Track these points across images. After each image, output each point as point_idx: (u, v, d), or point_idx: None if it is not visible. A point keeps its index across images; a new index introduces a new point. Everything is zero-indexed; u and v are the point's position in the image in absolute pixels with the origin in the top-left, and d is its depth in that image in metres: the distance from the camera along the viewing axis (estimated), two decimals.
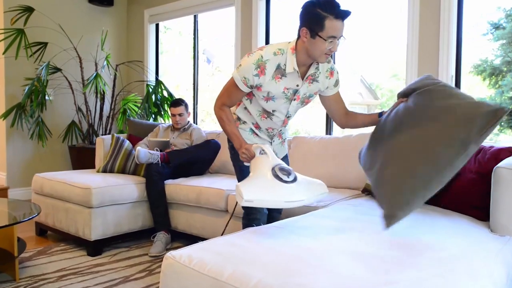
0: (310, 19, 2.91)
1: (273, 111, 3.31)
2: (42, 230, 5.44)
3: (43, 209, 5.20)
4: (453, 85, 4.82)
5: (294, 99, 3.28)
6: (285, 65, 3.09)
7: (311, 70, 3.20)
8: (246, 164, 3.10)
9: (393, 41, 5.91)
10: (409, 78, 5.04)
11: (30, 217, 3.85)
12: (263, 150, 2.90)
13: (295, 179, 2.56)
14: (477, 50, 5.06)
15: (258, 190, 2.44)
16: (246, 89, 3.17)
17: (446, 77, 4.79)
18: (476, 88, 5.21)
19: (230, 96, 3.23)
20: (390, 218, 2.47)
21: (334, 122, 3.99)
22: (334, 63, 3.61)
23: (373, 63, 6.24)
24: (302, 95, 3.27)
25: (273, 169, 2.60)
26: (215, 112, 3.28)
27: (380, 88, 6.83)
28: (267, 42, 6.50)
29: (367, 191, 4.24)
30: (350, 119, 3.45)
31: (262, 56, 3.06)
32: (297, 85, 3.19)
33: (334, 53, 5.47)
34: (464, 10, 4.81)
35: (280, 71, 3.11)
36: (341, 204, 3.55)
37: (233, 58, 6.77)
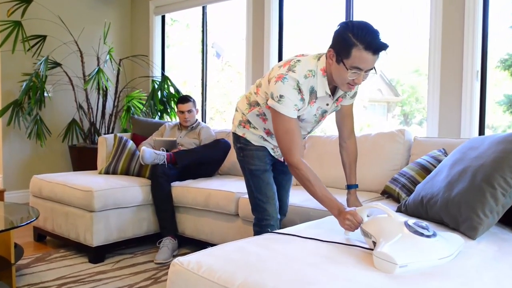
0: (339, 42, 2.79)
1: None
2: (41, 236, 5.47)
3: (41, 213, 5.22)
4: (479, 81, 4.81)
5: (322, 119, 3.29)
6: (316, 88, 3.01)
7: (341, 91, 3.14)
8: (349, 233, 2.73)
9: (414, 34, 5.88)
10: (432, 73, 5.02)
11: (28, 222, 3.86)
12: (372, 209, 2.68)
13: (435, 233, 2.36)
14: (504, 44, 5.03)
15: (407, 251, 2.21)
16: (296, 115, 3.02)
17: (471, 72, 4.78)
18: (503, 84, 5.19)
19: (294, 137, 2.98)
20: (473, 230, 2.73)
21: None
22: None
23: (393, 58, 6.22)
24: (329, 113, 3.27)
25: (407, 225, 2.35)
26: (297, 178, 2.99)
27: (400, 84, 6.81)
28: (280, 36, 6.49)
29: (387, 194, 4.22)
30: (344, 148, 3.47)
31: (298, 81, 2.91)
32: (327, 104, 3.14)
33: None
34: (490, 1, 4.79)
35: (314, 95, 3.02)
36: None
37: (244, 52, 6.78)
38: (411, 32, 5.93)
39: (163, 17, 8.29)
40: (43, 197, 5.25)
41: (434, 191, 3.09)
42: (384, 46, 2.71)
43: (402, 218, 2.42)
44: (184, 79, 8.42)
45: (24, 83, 6.72)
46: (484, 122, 4.86)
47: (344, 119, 3.40)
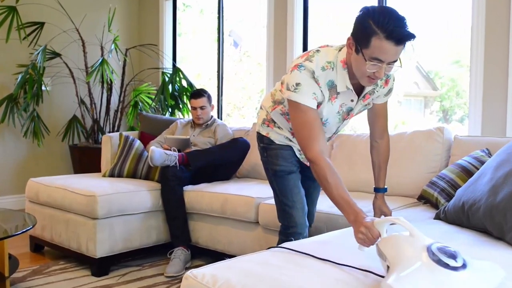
0: (359, 30, 2.74)
1: None
2: (38, 246, 5.51)
3: (39, 220, 5.23)
4: None
5: (347, 118, 3.26)
6: (336, 82, 2.98)
7: (369, 87, 3.09)
8: (363, 248, 2.51)
9: (455, 21, 5.86)
10: (474, 64, 4.99)
11: (24, 230, 3.89)
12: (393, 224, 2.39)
13: (465, 264, 2.05)
14: None
15: (420, 285, 1.95)
16: (316, 105, 2.98)
17: None
18: None
19: (313, 129, 2.91)
20: None
21: None
22: None
23: (431, 48, 6.20)
24: (356, 112, 3.24)
25: (429, 251, 2.06)
26: (315, 173, 2.88)
27: (439, 76, 6.76)
28: (305, 22, 6.48)
29: (424, 199, 4.22)
30: (375, 148, 3.50)
31: (314, 72, 2.90)
32: (352, 100, 3.10)
33: None
34: None
35: (334, 90, 3.00)
36: (394, 215, 3.55)
37: (265, 41, 6.78)
38: (451, 18, 5.90)
39: (174, 2, 8.29)
40: (40, 203, 5.30)
41: (477, 196, 3.09)
42: (409, 36, 2.63)
43: (426, 240, 2.15)
44: (198, 71, 8.43)
45: (20, 76, 6.76)
46: None
47: (377, 118, 3.39)
